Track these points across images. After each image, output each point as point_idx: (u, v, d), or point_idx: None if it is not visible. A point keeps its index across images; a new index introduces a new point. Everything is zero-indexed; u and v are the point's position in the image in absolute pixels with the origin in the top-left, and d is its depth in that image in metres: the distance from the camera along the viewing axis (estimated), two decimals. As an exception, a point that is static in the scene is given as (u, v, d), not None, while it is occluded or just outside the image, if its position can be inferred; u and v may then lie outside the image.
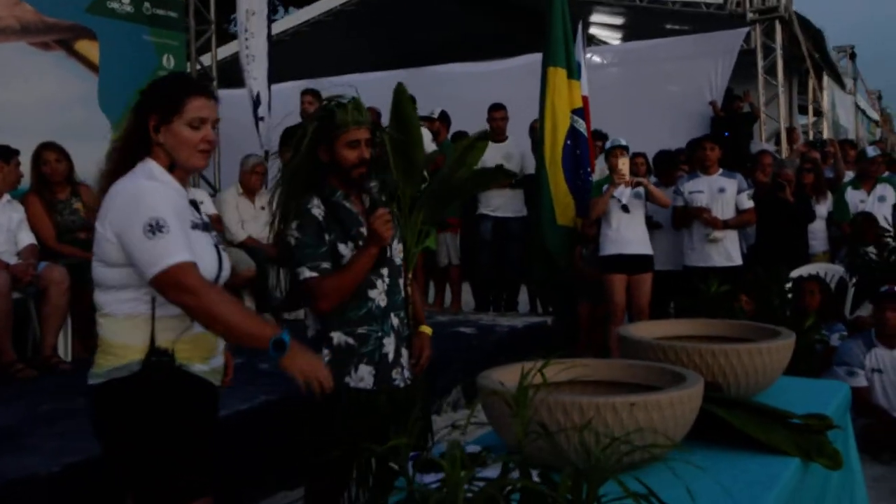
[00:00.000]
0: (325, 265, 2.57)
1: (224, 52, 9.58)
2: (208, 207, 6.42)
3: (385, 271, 2.69)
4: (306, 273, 2.55)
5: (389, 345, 2.68)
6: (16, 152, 4.93)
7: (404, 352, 2.77)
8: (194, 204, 2.28)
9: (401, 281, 2.77)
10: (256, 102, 8.19)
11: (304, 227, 2.57)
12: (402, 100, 2.89)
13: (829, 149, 9.10)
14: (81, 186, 5.47)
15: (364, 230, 2.63)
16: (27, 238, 4.99)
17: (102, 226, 2.12)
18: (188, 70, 8.20)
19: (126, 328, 2.14)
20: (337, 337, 2.61)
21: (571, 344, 6.27)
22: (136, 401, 2.12)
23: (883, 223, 6.62)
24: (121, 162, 2.21)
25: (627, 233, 6.16)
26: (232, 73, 9.18)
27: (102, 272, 2.16)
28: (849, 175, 7.95)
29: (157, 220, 2.05)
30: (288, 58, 10.66)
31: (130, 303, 2.14)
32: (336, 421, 2.55)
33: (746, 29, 10.24)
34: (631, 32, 13.98)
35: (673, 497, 1.44)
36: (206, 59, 8.99)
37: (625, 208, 6.12)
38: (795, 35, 10.90)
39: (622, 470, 1.47)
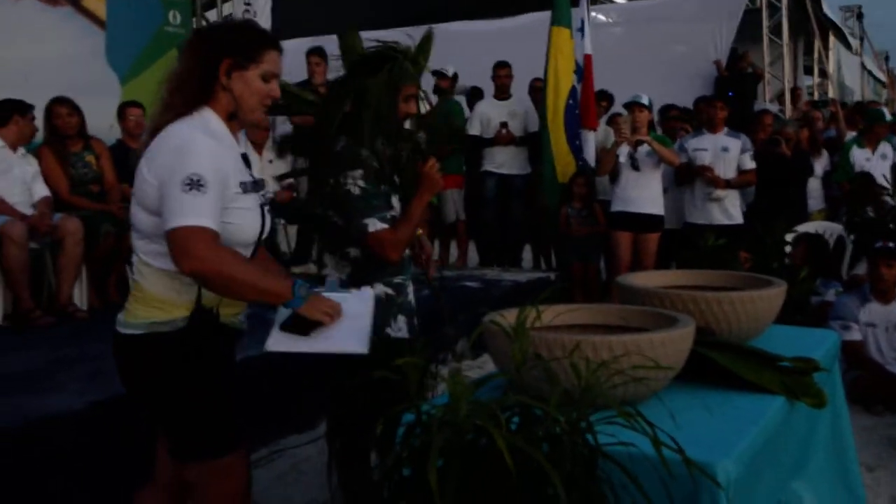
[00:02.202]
0: (391, 214, 2.53)
1: (229, 8, 9.59)
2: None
3: None
4: (378, 224, 2.48)
5: (412, 293, 2.72)
6: (31, 107, 5.02)
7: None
8: (245, 159, 2.23)
9: None
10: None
11: (367, 176, 2.49)
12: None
13: (831, 108, 9.14)
14: (93, 140, 5.58)
15: (396, 180, 2.63)
16: (42, 190, 5.10)
17: (149, 168, 2.06)
18: (193, 26, 8.24)
19: (171, 284, 2.09)
20: (378, 288, 2.55)
21: (569, 300, 6.39)
22: (180, 356, 2.10)
23: (881, 180, 6.72)
24: (178, 103, 2.11)
25: (634, 191, 6.23)
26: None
27: (141, 218, 2.11)
28: (850, 135, 8.01)
29: (201, 177, 1.99)
30: (290, 15, 10.65)
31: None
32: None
33: (752, -12, 10.22)
34: (636, -9, 13.89)
35: (660, 425, 1.56)
36: (212, 16, 9.02)
37: (634, 166, 6.19)
38: (801, -6, 10.87)
39: (609, 402, 1.60)
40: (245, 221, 2.13)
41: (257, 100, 2.15)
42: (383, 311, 2.57)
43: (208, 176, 2.00)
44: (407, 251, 2.69)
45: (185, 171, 1.99)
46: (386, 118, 2.51)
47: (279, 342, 2.17)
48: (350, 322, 2.20)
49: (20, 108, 5.07)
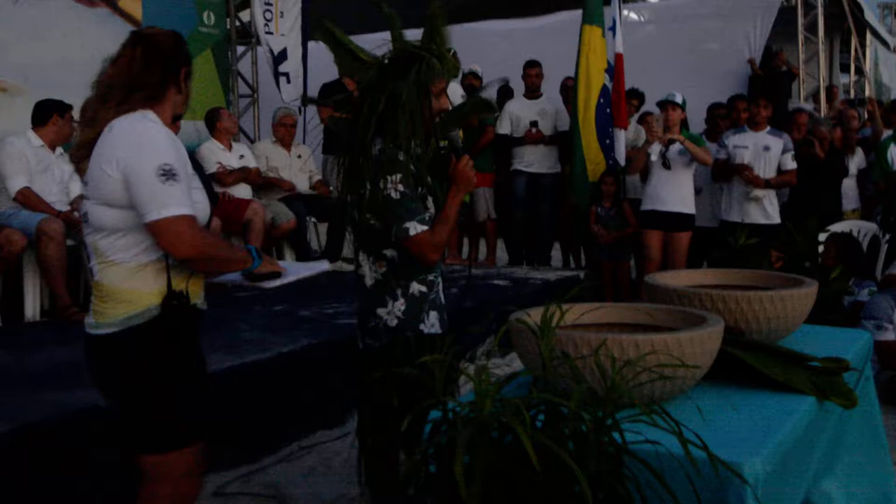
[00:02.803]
0: (428, 216, 2.55)
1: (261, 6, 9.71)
2: (249, 161, 6.62)
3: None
4: (418, 228, 2.50)
5: (441, 289, 2.75)
6: (69, 107, 5.12)
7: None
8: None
9: None
10: (280, 59, 8.32)
11: (406, 180, 2.51)
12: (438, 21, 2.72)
13: (868, 108, 9.01)
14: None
15: (429, 179, 2.65)
16: (79, 188, 5.20)
17: (107, 163, 2.11)
18: (227, 27, 8.33)
19: (139, 274, 2.15)
20: (414, 286, 2.60)
21: (599, 299, 6.39)
22: (157, 344, 2.16)
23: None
24: (125, 100, 2.18)
25: (664, 190, 6.21)
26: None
27: (104, 214, 2.15)
28: (887, 134, 7.89)
29: (171, 167, 2.10)
30: (320, 14, 10.71)
31: (140, 248, 2.15)
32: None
33: (787, -14, 10.09)
34: (670, -11, 13.79)
35: (688, 424, 1.57)
36: (245, 16, 9.10)
37: (665, 164, 6.16)
38: (837, -8, 10.71)
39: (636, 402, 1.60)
40: (202, 200, 2.26)
41: (188, 101, 2.35)
42: (416, 308, 2.61)
43: (176, 165, 2.12)
44: None
45: (155, 162, 2.09)
46: (419, 119, 2.52)
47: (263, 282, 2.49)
48: (296, 268, 2.65)
49: (59, 109, 5.17)
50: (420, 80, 2.51)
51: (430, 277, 2.66)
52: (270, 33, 8.30)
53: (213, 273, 2.35)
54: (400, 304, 2.59)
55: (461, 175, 2.62)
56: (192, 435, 2.26)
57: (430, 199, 2.62)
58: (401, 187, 2.50)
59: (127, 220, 2.13)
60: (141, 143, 2.11)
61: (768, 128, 6.33)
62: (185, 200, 2.12)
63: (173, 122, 2.29)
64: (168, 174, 2.08)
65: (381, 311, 2.59)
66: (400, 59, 2.57)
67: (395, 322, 2.58)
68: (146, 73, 2.22)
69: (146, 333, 2.16)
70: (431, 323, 2.65)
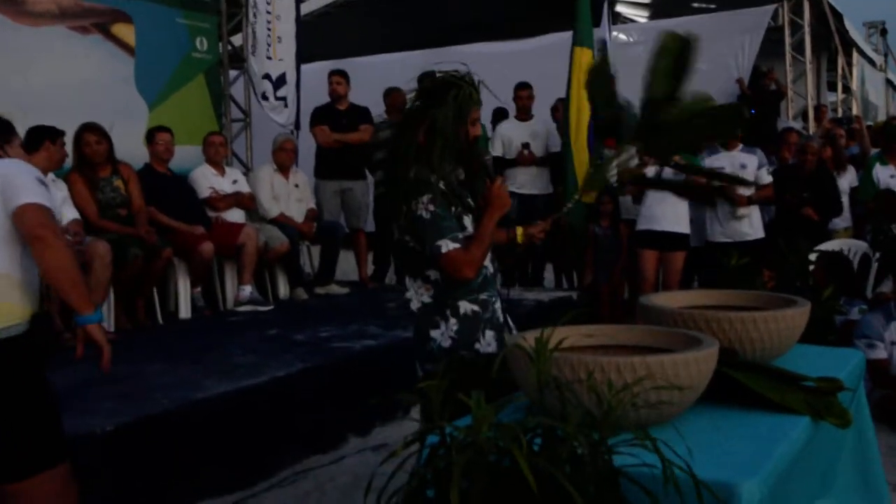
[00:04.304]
0: (462, 235, 2.60)
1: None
2: (242, 186, 6.62)
3: None
4: (450, 245, 2.55)
5: (499, 308, 2.76)
6: (61, 133, 5.12)
7: (506, 316, 2.85)
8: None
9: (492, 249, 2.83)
10: (279, 83, 8.36)
11: (436, 200, 2.57)
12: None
13: (854, 125, 9.09)
14: (121, 165, 5.69)
15: (469, 201, 2.70)
16: (71, 213, 5.20)
17: None
18: (220, 51, 8.37)
19: (5, 287, 2.24)
20: (464, 306, 2.63)
21: (594, 320, 6.40)
22: (28, 359, 2.23)
23: (909, 198, 6.66)
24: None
25: (659, 209, 6.24)
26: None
27: None
28: (874, 152, 7.95)
29: (43, 179, 2.36)
30: (313, 39, 10.80)
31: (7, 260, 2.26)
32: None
33: (774, 6, 10.20)
34: (658, 10, 13.94)
35: (681, 451, 1.57)
36: (237, 40, 9.15)
37: None
38: (823, 12, 10.84)
39: (633, 423, 1.60)
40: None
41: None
42: (471, 328, 2.64)
43: (44, 180, 2.37)
44: (492, 268, 2.75)
45: (33, 172, 2.37)
46: (454, 144, 2.60)
47: None
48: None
49: (51, 135, 5.17)
50: (458, 106, 2.58)
51: (483, 297, 2.69)
52: (269, 58, 8.35)
53: (57, 281, 2.34)
54: (453, 325, 2.62)
55: (496, 197, 2.66)
56: (59, 453, 2.24)
57: (468, 219, 2.66)
58: (431, 207, 2.55)
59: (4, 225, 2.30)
60: (14, 164, 2.45)
61: (741, 146, 6.41)
62: (51, 202, 2.35)
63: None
64: (42, 181, 2.35)
65: (434, 333, 2.62)
66: (439, 88, 2.63)
67: (448, 343, 2.61)
68: None
69: (14, 347, 2.23)
70: (488, 342, 2.66)
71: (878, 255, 6.37)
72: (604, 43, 7.17)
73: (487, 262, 2.73)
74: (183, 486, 3.51)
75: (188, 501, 3.52)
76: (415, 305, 2.66)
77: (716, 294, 3.00)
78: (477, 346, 2.63)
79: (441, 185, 2.60)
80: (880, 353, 4.68)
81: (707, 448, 1.88)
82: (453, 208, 2.61)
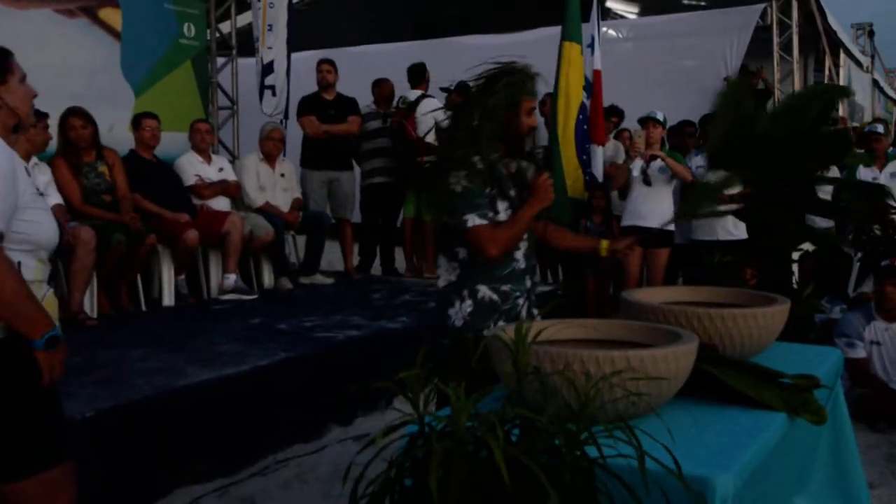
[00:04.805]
0: (492, 214, 2.65)
1: (243, 20, 9.65)
2: (228, 174, 6.60)
3: (526, 234, 2.79)
4: (476, 220, 2.61)
5: (523, 305, 2.78)
6: (44, 115, 5.08)
7: (534, 311, 2.86)
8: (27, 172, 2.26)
9: (533, 246, 2.86)
10: (267, 71, 8.32)
11: (472, 177, 2.63)
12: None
13: (839, 126, 9.14)
14: (106, 150, 5.65)
15: (513, 193, 2.73)
16: (55, 198, 5.16)
17: None
18: (208, 38, 8.32)
19: None
20: (483, 290, 2.69)
21: (580, 315, 6.41)
22: (20, 359, 2.08)
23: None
24: None
25: (645, 206, 6.27)
26: (251, 42, 9.29)
27: None
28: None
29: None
30: (304, 28, 10.75)
31: None
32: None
33: (763, 5, 10.23)
34: (647, 6, 13.94)
35: (657, 446, 1.59)
36: (226, 27, 9.10)
37: (646, 181, 6.23)
38: (812, 12, 10.89)
39: (611, 416, 1.61)
40: (44, 221, 2.16)
41: (28, 102, 2.26)
42: (485, 314, 2.69)
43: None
44: (524, 264, 2.77)
45: None
46: (501, 130, 2.66)
47: None
48: None
49: (35, 117, 5.14)
50: (509, 94, 2.65)
51: (505, 287, 2.72)
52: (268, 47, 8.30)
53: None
54: (468, 306, 2.69)
55: (540, 189, 2.72)
56: (56, 453, 2.16)
57: (502, 204, 2.69)
58: (465, 182, 2.62)
59: None
60: None
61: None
62: None
63: (14, 133, 2.22)
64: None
65: (450, 311, 2.70)
66: (494, 77, 2.70)
67: (461, 322, 2.68)
68: None
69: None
70: None
71: (859, 255, 6.42)
72: (592, 38, 7.17)
73: (520, 257, 2.77)
74: (164, 473, 3.51)
75: (169, 488, 3.52)
76: (441, 283, 2.75)
77: (698, 291, 3.03)
78: (486, 332, 2.61)
79: (481, 165, 2.65)
80: (860, 352, 4.73)
81: (683, 441, 1.90)
82: (488, 189, 2.66)
